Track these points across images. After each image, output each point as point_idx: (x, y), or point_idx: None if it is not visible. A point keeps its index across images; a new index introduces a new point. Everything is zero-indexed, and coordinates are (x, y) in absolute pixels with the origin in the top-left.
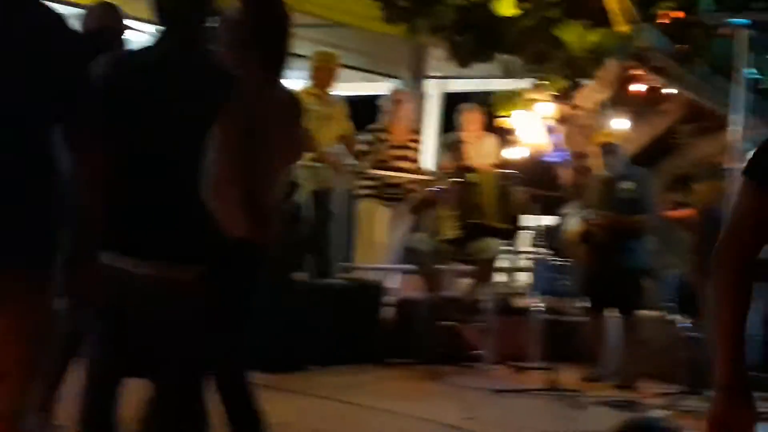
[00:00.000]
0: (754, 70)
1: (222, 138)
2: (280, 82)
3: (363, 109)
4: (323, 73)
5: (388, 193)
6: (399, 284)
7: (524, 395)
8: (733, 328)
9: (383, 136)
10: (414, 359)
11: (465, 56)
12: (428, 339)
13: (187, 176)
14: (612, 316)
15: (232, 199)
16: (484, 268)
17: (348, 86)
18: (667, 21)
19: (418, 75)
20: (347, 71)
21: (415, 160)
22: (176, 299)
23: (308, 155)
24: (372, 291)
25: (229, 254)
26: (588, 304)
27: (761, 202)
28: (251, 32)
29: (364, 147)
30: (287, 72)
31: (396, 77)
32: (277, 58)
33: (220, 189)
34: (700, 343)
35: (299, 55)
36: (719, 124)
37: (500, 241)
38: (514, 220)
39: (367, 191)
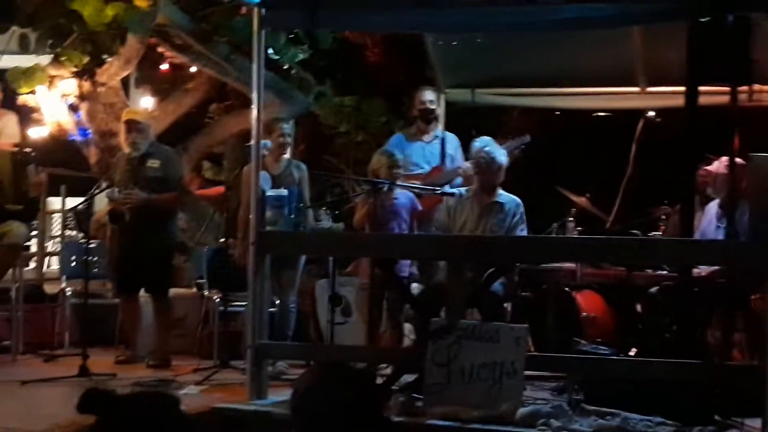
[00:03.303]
0: (272, 50)
1: None
2: None
3: None
4: None
5: None
6: None
7: (55, 384)
8: None
9: None
10: None
11: None
12: None
13: None
14: (145, 296)
15: None
16: (8, 254)
17: None
18: None
19: None
20: None
21: None
22: None
23: None
24: None
25: None
26: (118, 286)
27: None
28: None
29: None
30: None
31: None
32: None
33: None
34: (232, 317)
35: None
36: (244, 103)
37: (24, 225)
38: (33, 202)
39: None
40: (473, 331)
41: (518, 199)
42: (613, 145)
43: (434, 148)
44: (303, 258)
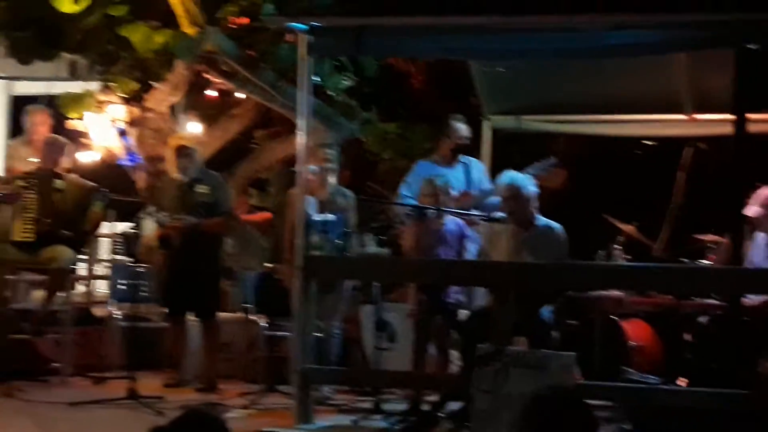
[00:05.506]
0: (317, 77)
1: None
2: None
3: None
4: None
5: None
6: None
7: (103, 406)
8: None
9: None
10: None
11: (25, 54)
12: None
13: None
14: (192, 320)
15: None
16: (57, 278)
17: None
18: (233, 26)
19: None
20: None
21: None
22: None
23: None
24: None
25: None
26: (167, 310)
27: None
28: None
29: None
30: None
31: None
32: None
33: None
34: (278, 342)
35: None
36: (290, 129)
37: (71, 250)
38: (86, 234)
39: None
40: (520, 359)
41: (558, 228)
42: (660, 173)
43: (459, 174)
44: (346, 284)
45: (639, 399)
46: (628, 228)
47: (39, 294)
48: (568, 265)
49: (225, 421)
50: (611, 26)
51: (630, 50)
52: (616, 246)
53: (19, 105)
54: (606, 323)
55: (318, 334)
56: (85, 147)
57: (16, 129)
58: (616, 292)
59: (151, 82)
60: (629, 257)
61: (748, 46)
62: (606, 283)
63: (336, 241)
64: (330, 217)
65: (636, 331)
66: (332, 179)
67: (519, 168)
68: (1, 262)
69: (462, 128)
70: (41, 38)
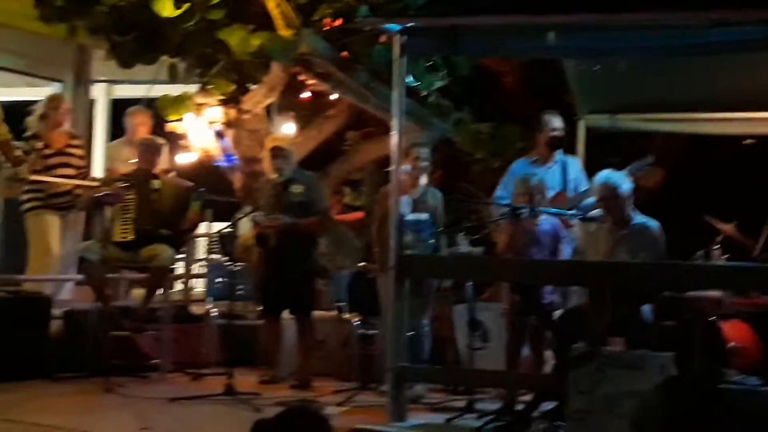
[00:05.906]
0: (411, 77)
1: None
2: None
3: (26, 115)
4: None
5: (57, 203)
6: (71, 295)
7: (202, 402)
8: None
9: (38, 144)
10: (85, 372)
11: (127, 57)
12: (100, 350)
13: None
14: (288, 317)
15: None
16: (157, 276)
17: (7, 90)
18: (328, 28)
19: (82, 79)
20: (3, 74)
21: (78, 167)
22: None
23: None
24: (38, 303)
25: None
26: (263, 308)
27: None
28: None
29: (21, 155)
30: None
31: (59, 81)
32: None
33: None
34: (371, 340)
35: None
36: (383, 129)
37: (171, 249)
38: (185, 233)
39: (34, 202)
40: (617, 359)
41: (654, 226)
42: (760, 172)
43: (555, 173)
44: (432, 283)
45: (740, 401)
46: (727, 228)
47: (139, 292)
48: (665, 265)
49: (327, 417)
50: (713, 23)
51: (732, 47)
52: (714, 246)
53: (119, 108)
54: (704, 324)
55: (410, 333)
56: (184, 148)
57: (116, 131)
58: (714, 293)
59: (247, 84)
60: (728, 257)
61: None
62: (705, 283)
63: (429, 240)
64: (422, 216)
65: (735, 332)
66: (424, 179)
67: (613, 167)
68: (102, 261)
69: (554, 120)
70: (142, 42)
